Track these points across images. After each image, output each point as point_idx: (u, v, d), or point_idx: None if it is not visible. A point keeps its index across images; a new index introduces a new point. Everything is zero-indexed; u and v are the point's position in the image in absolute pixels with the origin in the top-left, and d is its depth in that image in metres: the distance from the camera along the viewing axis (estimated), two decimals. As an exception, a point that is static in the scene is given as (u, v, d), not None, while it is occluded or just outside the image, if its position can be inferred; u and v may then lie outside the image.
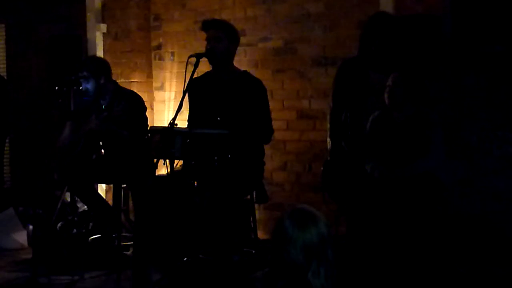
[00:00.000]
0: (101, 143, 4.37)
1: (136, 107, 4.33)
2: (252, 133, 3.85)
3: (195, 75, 3.72)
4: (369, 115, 3.95)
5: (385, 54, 4.00)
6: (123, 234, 4.51)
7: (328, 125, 4.20)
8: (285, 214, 2.08)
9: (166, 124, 4.46)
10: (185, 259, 3.83)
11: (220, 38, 3.89)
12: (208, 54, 3.87)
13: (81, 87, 4.26)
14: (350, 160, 3.95)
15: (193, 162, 3.72)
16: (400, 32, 4.07)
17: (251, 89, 3.94)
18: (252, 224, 4.08)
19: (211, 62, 3.95)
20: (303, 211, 2.08)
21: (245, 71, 4.11)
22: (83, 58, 5.26)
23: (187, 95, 3.91)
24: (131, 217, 4.95)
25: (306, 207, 2.11)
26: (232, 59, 4.02)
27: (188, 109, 4.12)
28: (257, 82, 4.01)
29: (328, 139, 4.20)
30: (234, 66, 4.07)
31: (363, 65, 4.04)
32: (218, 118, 3.81)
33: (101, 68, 4.35)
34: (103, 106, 4.35)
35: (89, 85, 4.26)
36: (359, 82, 4.02)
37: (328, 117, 4.23)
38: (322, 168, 4.17)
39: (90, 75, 4.26)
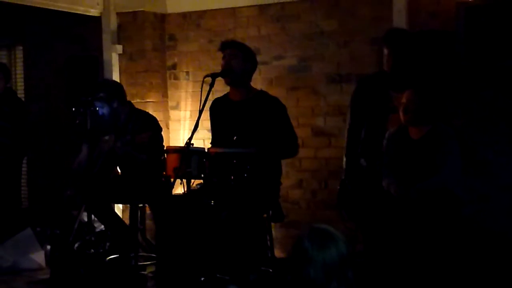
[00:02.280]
0: (118, 163, 4.41)
1: (154, 129, 4.39)
2: (278, 149, 3.88)
3: (211, 94, 3.75)
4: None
5: (403, 72, 3.99)
6: (140, 254, 4.52)
7: (345, 143, 4.20)
8: (304, 234, 2.07)
9: (181, 144, 4.50)
10: (202, 278, 3.82)
11: (235, 56, 3.92)
12: (223, 73, 3.90)
13: (97, 108, 4.32)
14: (367, 178, 3.93)
15: (213, 180, 3.72)
16: (416, 48, 4.06)
17: (269, 108, 3.96)
18: (268, 242, 4.07)
19: (226, 81, 3.98)
20: (322, 230, 2.07)
21: (262, 90, 4.13)
22: (98, 80, 5.30)
23: (209, 116, 3.98)
24: (148, 237, 4.96)
25: (325, 227, 2.10)
26: (249, 79, 4.03)
27: (204, 129, 4.15)
28: (275, 100, 4.03)
29: (344, 157, 4.20)
30: (251, 86, 4.09)
31: (382, 82, 4.04)
32: (234, 138, 3.83)
33: (114, 92, 4.42)
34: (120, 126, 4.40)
35: (103, 109, 4.34)
36: (379, 99, 4.02)
37: (345, 134, 4.23)
38: (338, 187, 4.16)
39: (103, 100, 4.34)
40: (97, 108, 4.31)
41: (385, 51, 4.01)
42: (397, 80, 3.99)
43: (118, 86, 4.55)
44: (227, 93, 4.11)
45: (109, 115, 4.36)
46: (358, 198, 3.96)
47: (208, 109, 4.12)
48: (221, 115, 4.04)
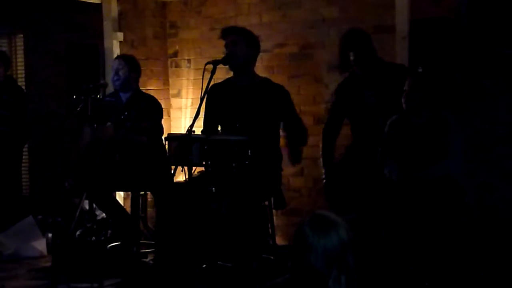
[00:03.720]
0: (119, 151, 4.41)
1: (157, 112, 4.43)
2: (290, 138, 3.95)
3: (212, 81, 3.74)
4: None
5: (366, 70, 4.00)
6: (142, 241, 4.52)
7: (321, 145, 4.21)
8: (305, 220, 2.06)
9: (183, 131, 4.49)
10: (203, 265, 3.83)
11: (238, 42, 3.90)
12: (226, 59, 3.88)
13: (117, 67, 4.46)
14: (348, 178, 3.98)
15: (210, 169, 3.72)
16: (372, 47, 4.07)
17: (274, 96, 3.95)
18: (270, 230, 4.07)
19: (230, 67, 3.96)
20: (323, 217, 2.06)
21: (266, 78, 4.12)
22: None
23: (204, 100, 3.95)
24: (150, 224, 4.96)
25: (326, 213, 2.08)
26: (253, 64, 4.02)
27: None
28: (279, 88, 4.02)
29: (321, 159, 4.22)
30: (255, 73, 4.07)
31: (356, 83, 4.06)
32: (237, 125, 3.82)
33: (137, 66, 4.60)
34: (123, 103, 4.47)
35: (122, 71, 4.47)
36: (357, 100, 4.04)
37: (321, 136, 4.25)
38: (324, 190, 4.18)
39: (126, 65, 4.49)
40: (117, 67, 4.47)
41: (351, 56, 4.04)
42: (369, 79, 4.02)
43: (140, 66, 4.69)
44: (229, 78, 4.09)
45: (124, 79, 4.48)
46: (343, 194, 3.97)
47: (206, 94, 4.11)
48: (222, 100, 4.01)
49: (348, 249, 2.01)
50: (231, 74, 4.06)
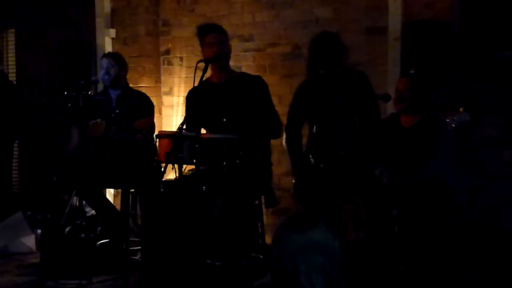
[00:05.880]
0: (110, 149, 4.41)
1: (149, 108, 4.44)
2: (261, 131, 3.87)
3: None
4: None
5: (337, 74, 3.97)
6: (131, 238, 4.52)
7: (288, 150, 4.15)
8: (284, 219, 2.09)
9: (174, 129, 4.49)
10: (193, 264, 3.83)
11: (224, 41, 3.95)
12: (217, 58, 3.88)
13: (107, 66, 4.46)
14: (316, 175, 3.93)
15: (201, 167, 3.72)
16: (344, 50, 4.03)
17: (252, 86, 3.96)
18: (260, 229, 4.08)
19: (219, 65, 3.97)
20: (298, 215, 2.08)
21: (243, 72, 4.15)
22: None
23: (185, 105, 3.98)
24: (139, 222, 4.96)
25: (303, 212, 2.10)
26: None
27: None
28: (257, 79, 4.04)
29: (289, 156, 4.18)
30: (231, 68, 4.11)
31: (318, 86, 4.01)
32: (224, 120, 3.83)
33: (125, 64, 4.61)
34: (113, 104, 4.46)
35: (113, 70, 4.47)
36: (318, 104, 4.00)
37: (284, 141, 4.19)
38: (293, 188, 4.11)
39: (116, 63, 4.49)
40: (108, 66, 4.47)
41: (327, 56, 3.94)
42: (334, 82, 3.97)
43: (127, 63, 4.71)
44: (206, 79, 4.09)
45: (114, 77, 4.47)
46: (312, 193, 3.93)
47: (185, 98, 4.16)
48: (204, 101, 4.00)
49: (316, 248, 2.00)
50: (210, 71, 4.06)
